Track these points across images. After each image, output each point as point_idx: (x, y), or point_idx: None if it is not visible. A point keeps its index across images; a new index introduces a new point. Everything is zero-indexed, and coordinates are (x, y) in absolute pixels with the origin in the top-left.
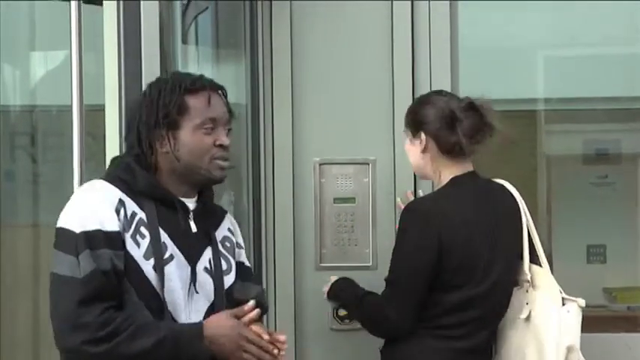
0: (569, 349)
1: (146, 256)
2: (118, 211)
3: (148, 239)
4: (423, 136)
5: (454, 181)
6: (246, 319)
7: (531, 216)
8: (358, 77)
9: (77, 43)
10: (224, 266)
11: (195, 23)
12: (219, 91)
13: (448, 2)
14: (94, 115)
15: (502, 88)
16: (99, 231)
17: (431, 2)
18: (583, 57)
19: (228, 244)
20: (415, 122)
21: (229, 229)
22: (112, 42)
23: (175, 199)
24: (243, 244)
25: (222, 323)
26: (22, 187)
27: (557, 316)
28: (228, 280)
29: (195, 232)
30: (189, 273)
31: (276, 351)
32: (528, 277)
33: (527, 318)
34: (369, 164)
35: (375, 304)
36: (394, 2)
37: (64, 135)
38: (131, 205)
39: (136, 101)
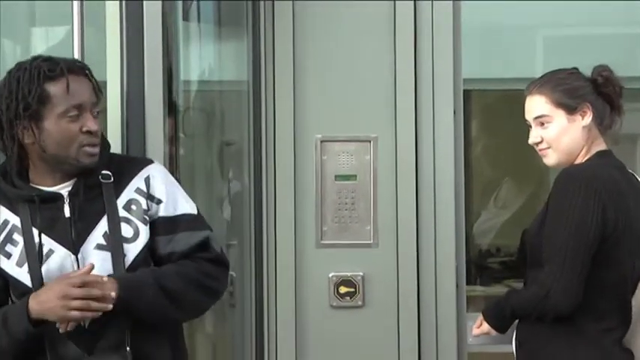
0: None
1: (19, 263)
2: None
3: (21, 245)
4: (586, 107)
5: (601, 153)
6: (75, 279)
7: (534, 196)
8: (360, 54)
9: (78, 19)
10: (129, 233)
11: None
12: (85, 73)
13: None
14: None
15: (501, 68)
16: None
17: None
18: (582, 37)
19: (134, 207)
20: (573, 95)
21: (138, 189)
22: (114, 18)
23: (36, 196)
24: (163, 196)
25: (47, 287)
26: None
27: None
28: (134, 247)
29: (70, 217)
30: (72, 261)
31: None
32: None
33: None
34: (370, 142)
35: (539, 284)
36: None
37: None
38: (3, 214)
39: None
